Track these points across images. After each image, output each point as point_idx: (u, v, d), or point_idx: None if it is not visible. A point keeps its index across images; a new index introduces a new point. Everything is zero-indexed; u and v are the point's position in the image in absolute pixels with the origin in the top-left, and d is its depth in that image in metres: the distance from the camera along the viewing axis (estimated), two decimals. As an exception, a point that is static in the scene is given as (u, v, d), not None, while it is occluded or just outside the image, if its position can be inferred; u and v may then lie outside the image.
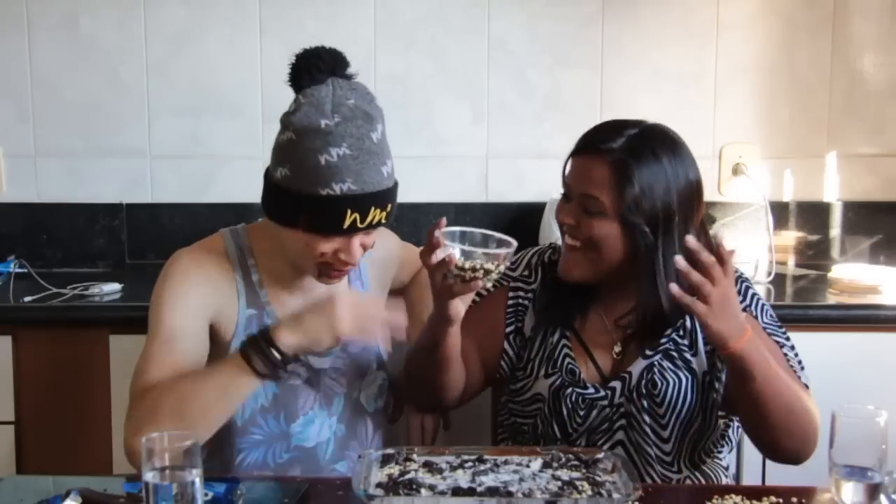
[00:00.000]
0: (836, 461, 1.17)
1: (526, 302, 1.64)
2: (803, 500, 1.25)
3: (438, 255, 1.38)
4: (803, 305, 2.21)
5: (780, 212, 2.67)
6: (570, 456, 1.32)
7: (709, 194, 2.67)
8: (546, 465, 1.29)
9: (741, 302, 1.53)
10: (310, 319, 1.39)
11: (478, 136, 2.72)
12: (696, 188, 1.52)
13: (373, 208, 1.44)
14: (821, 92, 2.71)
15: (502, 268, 1.39)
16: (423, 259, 1.42)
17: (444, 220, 1.42)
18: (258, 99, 2.63)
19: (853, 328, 2.13)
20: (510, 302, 1.65)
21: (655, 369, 1.54)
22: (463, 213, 2.71)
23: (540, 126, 2.71)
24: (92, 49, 2.66)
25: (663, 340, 1.56)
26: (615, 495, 1.19)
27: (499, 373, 1.65)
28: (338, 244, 1.47)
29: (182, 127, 2.68)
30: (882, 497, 1.16)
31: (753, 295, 1.60)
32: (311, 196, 1.42)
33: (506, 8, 2.68)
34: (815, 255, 2.73)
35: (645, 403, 1.53)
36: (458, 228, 1.43)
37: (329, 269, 1.51)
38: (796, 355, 1.57)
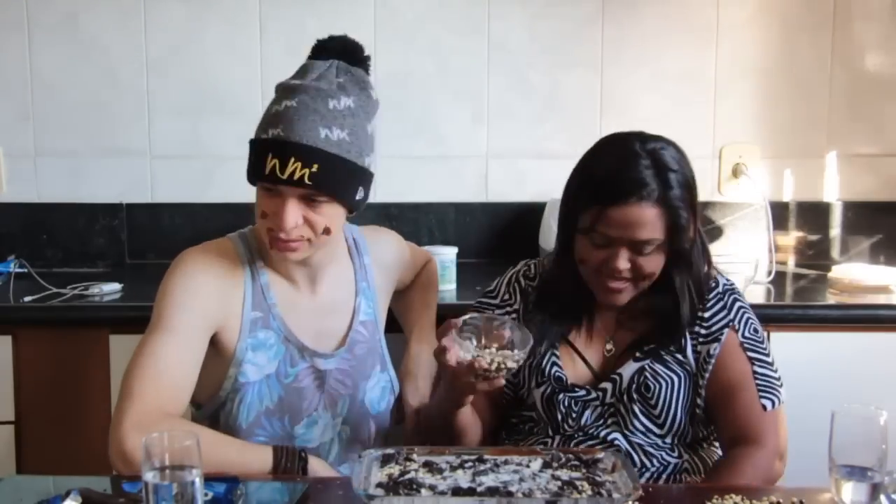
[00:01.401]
0: (836, 461, 1.17)
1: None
2: (803, 500, 1.24)
3: (452, 359, 1.35)
4: (803, 305, 2.21)
5: (780, 212, 2.67)
6: (570, 456, 1.32)
7: (709, 194, 2.70)
8: (546, 465, 1.29)
9: (725, 316, 1.58)
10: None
11: (478, 136, 2.72)
12: (694, 182, 1.54)
13: (293, 159, 1.43)
14: (821, 92, 2.71)
15: (521, 357, 1.37)
16: (441, 361, 1.37)
17: (459, 321, 1.38)
18: (258, 99, 2.63)
19: (853, 328, 2.13)
20: None
21: (647, 373, 1.55)
22: (463, 213, 2.71)
23: (540, 126, 2.71)
24: (92, 49, 2.66)
25: (653, 345, 1.57)
26: (615, 495, 1.19)
27: (504, 399, 1.66)
28: (276, 205, 1.47)
29: (182, 127, 2.68)
30: (882, 497, 1.16)
31: (740, 308, 1.61)
32: (252, 142, 1.50)
33: (506, 8, 2.68)
34: (815, 255, 2.73)
35: (636, 407, 1.55)
36: (471, 320, 1.40)
37: (271, 237, 1.50)
38: (775, 371, 1.58)
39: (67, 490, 1.21)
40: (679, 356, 1.57)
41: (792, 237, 2.73)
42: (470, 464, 1.28)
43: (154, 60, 2.67)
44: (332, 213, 1.50)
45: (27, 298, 2.19)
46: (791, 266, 2.69)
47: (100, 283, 2.30)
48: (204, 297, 1.50)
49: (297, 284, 1.60)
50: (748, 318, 1.61)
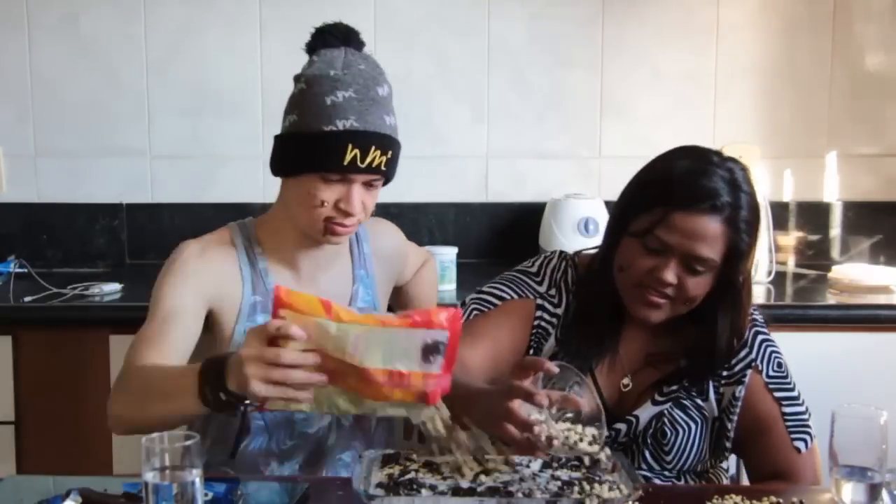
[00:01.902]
0: (837, 461, 1.17)
1: (548, 326, 1.55)
2: (803, 500, 1.24)
3: (520, 413, 1.21)
4: (803, 305, 2.21)
5: (780, 212, 2.66)
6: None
7: (709, 194, 2.69)
8: (546, 465, 1.29)
9: (748, 354, 1.51)
10: (238, 369, 1.20)
11: (478, 136, 2.72)
12: (759, 214, 1.45)
13: (373, 148, 1.47)
14: (821, 92, 2.71)
15: (591, 451, 1.25)
16: (504, 407, 1.21)
17: (550, 367, 1.26)
18: (258, 99, 2.63)
19: (853, 328, 2.13)
20: (535, 322, 1.56)
21: (665, 419, 1.50)
22: (463, 213, 2.71)
23: (540, 126, 2.71)
24: (92, 49, 2.66)
25: (674, 388, 1.51)
26: (615, 495, 1.19)
27: None
28: (338, 192, 1.49)
29: (182, 127, 2.68)
30: (884, 493, 1.16)
31: (763, 342, 1.53)
32: (316, 133, 1.47)
33: (506, 8, 2.68)
34: (815, 255, 2.73)
35: (648, 452, 1.51)
36: (562, 373, 1.28)
37: (332, 225, 1.51)
38: (802, 405, 1.52)
39: (67, 490, 1.21)
40: (699, 400, 1.51)
41: (792, 237, 2.74)
42: (472, 464, 1.28)
43: (154, 60, 2.67)
44: (377, 193, 1.55)
45: (27, 298, 2.19)
46: (791, 266, 2.69)
47: (100, 283, 2.30)
48: (196, 278, 1.52)
49: (298, 272, 1.61)
50: (771, 353, 1.53)
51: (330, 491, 1.33)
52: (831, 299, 2.28)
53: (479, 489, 1.19)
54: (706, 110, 2.71)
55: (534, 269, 1.61)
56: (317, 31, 1.56)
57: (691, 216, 1.38)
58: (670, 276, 1.40)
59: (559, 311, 1.56)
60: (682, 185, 1.40)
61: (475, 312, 1.57)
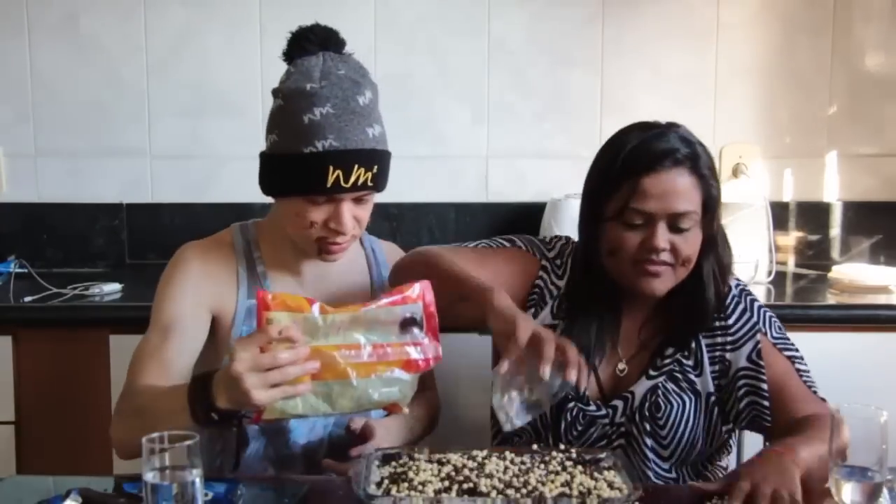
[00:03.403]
0: (837, 461, 1.16)
1: (546, 294, 1.58)
2: (803, 501, 1.24)
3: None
4: (803, 305, 2.21)
5: (780, 212, 2.67)
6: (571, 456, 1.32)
7: (709, 194, 2.69)
8: (546, 465, 1.29)
9: (750, 318, 1.53)
10: (232, 387, 1.20)
11: (478, 136, 2.72)
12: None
13: (356, 166, 1.42)
14: (821, 92, 2.71)
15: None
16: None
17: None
18: (258, 99, 2.63)
19: (853, 328, 2.13)
20: (536, 282, 1.59)
21: (660, 391, 1.51)
22: (463, 213, 2.71)
23: (540, 126, 2.71)
24: (92, 49, 2.66)
25: (667, 362, 1.53)
26: (615, 495, 1.19)
27: None
28: (326, 212, 1.46)
29: (182, 127, 2.68)
30: (885, 492, 1.16)
31: (759, 308, 1.57)
32: (296, 156, 1.43)
33: (506, 8, 2.68)
34: (815, 255, 2.73)
35: (647, 426, 1.51)
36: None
37: (325, 244, 1.49)
38: (806, 366, 1.55)
39: (67, 490, 1.21)
40: (692, 375, 1.52)
41: (792, 237, 2.74)
42: (471, 463, 1.28)
43: (154, 61, 2.67)
44: (370, 205, 1.52)
45: (27, 298, 2.19)
46: (791, 266, 2.69)
47: (100, 283, 2.30)
48: (195, 284, 1.51)
49: (300, 277, 1.60)
50: (771, 318, 1.57)
51: (330, 491, 1.33)
52: (831, 299, 2.28)
53: (479, 489, 1.19)
54: (706, 110, 2.70)
55: (546, 240, 1.65)
56: (292, 37, 1.52)
57: (659, 176, 1.42)
58: (662, 241, 1.43)
59: (560, 283, 1.58)
60: (639, 152, 1.44)
61: (484, 244, 1.63)
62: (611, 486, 1.21)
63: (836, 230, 2.74)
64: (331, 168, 1.41)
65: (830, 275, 2.39)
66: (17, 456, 2.14)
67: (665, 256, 1.44)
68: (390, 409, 1.35)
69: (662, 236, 1.43)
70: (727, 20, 2.69)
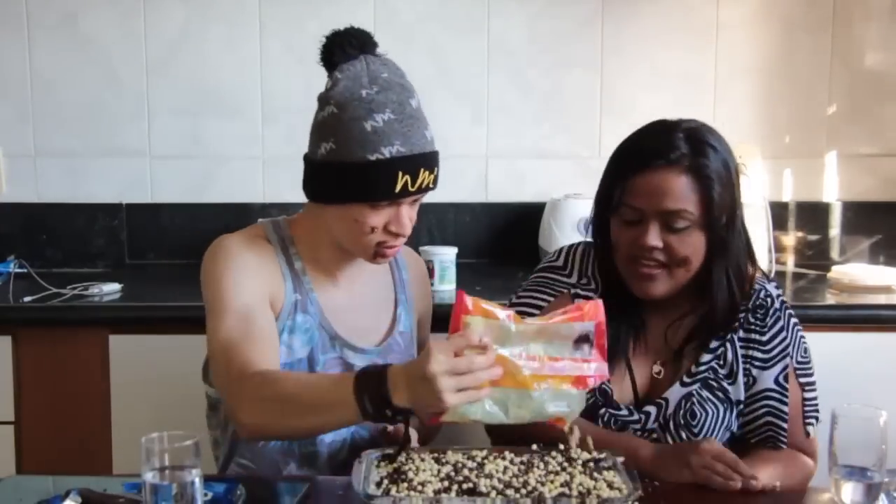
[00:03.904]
0: (836, 461, 1.17)
1: None
2: (803, 501, 1.24)
3: None
4: (803, 305, 2.21)
5: (779, 212, 2.66)
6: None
7: (709, 194, 2.69)
8: (546, 465, 1.29)
9: (784, 339, 1.53)
10: (422, 386, 1.21)
11: (478, 136, 2.72)
12: (737, 171, 1.52)
13: (422, 170, 1.44)
14: (820, 92, 2.71)
15: None
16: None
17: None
18: (258, 99, 2.63)
19: (853, 328, 2.13)
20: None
21: (694, 399, 1.51)
22: (462, 213, 2.71)
23: (540, 126, 2.71)
24: (92, 49, 2.66)
25: (703, 369, 1.53)
26: (615, 495, 1.19)
27: None
28: (387, 216, 1.46)
29: (182, 127, 2.68)
30: (882, 496, 1.16)
31: (796, 326, 1.56)
32: (361, 163, 1.42)
33: (506, 8, 2.68)
34: (814, 255, 2.73)
35: (682, 434, 1.51)
36: None
37: (382, 247, 1.49)
38: (814, 393, 1.56)
39: (67, 490, 1.21)
40: (726, 383, 1.53)
41: (792, 237, 2.74)
42: (471, 463, 1.28)
43: (154, 60, 2.67)
44: (419, 204, 1.53)
45: (27, 298, 2.19)
46: (791, 266, 2.69)
47: (99, 283, 2.30)
48: (255, 272, 1.49)
49: (334, 277, 1.59)
50: (801, 338, 1.56)
51: (330, 491, 1.33)
52: (831, 299, 2.28)
53: (479, 489, 1.19)
54: (706, 110, 2.70)
55: (560, 263, 1.63)
56: (330, 41, 1.49)
57: (648, 175, 1.43)
58: (653, 239, 1.43)
59: (592, 286, 1.58)
60: (633, 151, 1.47)
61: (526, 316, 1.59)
62: (610, 486, 1.21)
63: (835, 230, 2.74)
64: (400, 174, 1.42)
65: (830, 275, 2.39)
66: (16, 456, 2.14)
67: (658, 256, 1.44)
68: (554, 423, 1.34)
69: (653, 234, 1.43)
70: (727, 20, 2.69)
